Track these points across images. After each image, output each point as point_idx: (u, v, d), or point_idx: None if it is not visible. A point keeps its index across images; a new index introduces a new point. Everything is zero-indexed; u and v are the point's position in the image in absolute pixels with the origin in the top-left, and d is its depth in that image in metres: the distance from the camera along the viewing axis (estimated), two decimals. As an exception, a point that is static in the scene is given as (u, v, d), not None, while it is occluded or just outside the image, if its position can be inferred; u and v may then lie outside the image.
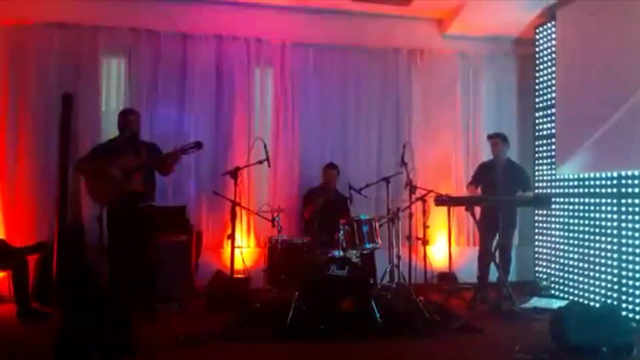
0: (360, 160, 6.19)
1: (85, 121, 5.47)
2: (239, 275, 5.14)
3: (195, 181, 5.77)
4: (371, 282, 4.68)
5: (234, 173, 4.81)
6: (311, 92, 6.15)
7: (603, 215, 5.02)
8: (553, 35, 5.81)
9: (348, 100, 6.23)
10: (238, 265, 5.05)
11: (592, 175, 5.20)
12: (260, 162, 4.99)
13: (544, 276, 5.90)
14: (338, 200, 5.50)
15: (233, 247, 4.84)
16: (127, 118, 4.62)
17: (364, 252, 4.84)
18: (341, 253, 4.42)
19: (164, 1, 5.72)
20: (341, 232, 4.53)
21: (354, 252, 4.60)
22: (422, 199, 5.18)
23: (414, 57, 6.39)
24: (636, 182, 4.65)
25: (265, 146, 4.99)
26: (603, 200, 5.04)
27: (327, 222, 5.09)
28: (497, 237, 5.25)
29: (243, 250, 5.40)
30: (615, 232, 4.85)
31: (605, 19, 4.98)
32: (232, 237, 4.85)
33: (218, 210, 5.69)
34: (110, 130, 5.19)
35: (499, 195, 5.11)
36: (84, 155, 4.74)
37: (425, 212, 5.17)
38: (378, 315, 4.14)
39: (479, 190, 5.51)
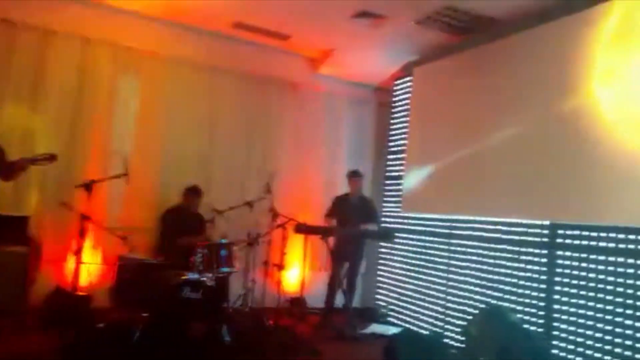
0: (225, 182, 6.21)
1: None
2: (81, 293, 4.85)
3: (42, 190, 5.33)
4: (224, 305, 4.73)
5: (89, 186, 4.55)
6: (179, 109, 6.05)
7: (435, 252, 5.70)
8: (409, 89, 6.52)
9: (218, 121, 6.26)
10: (82, 281, 4.77)
11: (429, 215, 5.89)
12: (118, 177, 4.79)
13: (384, 304, 6.46)
14: (197, 222, 5.47)
15: (78, 263, 4.55)
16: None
17: (220, 275, 4.89)
18: (196, 276, 4.42)
19: (27, -9, 5.31)
20: (198, 255, 4.53)
21: (210, 275, 4.62)
22: (283, 226, 5.40)
23: (287, 89, 6.69)
24: (463, 225, 5.39)
25: (125, 160, 4.81)
26: (436, 239, 5.73)
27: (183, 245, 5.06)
28: (347, 265, 5.67)
29: (89, 267, 5.10)
30: (444, 267, 5.54)
31: (451, 81, 5.75)
32: (78, 252, 4.56)
33: (65, 223, 5.25)
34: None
35: (351, 227, 5.53)
36: None
37: (284, 239, 5.40)
38: (227, 339, 4.21)
39: (334, 221, 5.89)
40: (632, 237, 3.84)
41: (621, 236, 3.92)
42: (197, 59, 6.15)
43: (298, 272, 5.92)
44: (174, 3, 5.53)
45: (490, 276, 4.97)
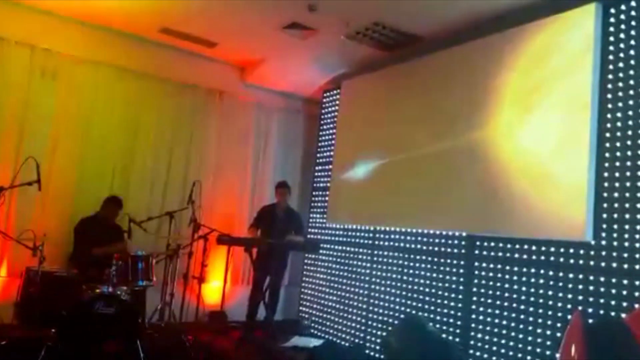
0: (144, 191, 5.97)
1: None
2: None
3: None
4: (139, 321, 4.52)
5: (-4, 193, 4.23)
6: (99, 114, 5.77)
7: (359, 263, 5.76)
8: (337, 101, 6.59)
9: (140, 129, 6.03)
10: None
11: (353, 227, 5.95)
12: (30, 184, 4.48)
13: (306, 316, 6.43)
14: (114, 234, 5.21)
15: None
16: None
17: (136, 289, 4.67)
18: (110, 290, 4.20)
19: None
20: (113, 268, 4.31)
21: (125, 288, 4.41)
22: (205, 237, 5.25)
23: (213, 97, 6.54)
24: (386, 236, 5.48)
25: (37, 167, 4.51)
26: (360, 250, 5.79)
27: (99, 256, 4.80)
28: (270, 277, 5.59)
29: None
30: (367, 278, 5.60)
31: (377, 95, 5.87)
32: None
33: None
34: None
35: (276, 238, 5.47)
36: None
37: (206, 251, 5.24)
38: (143, 356, 4.02)
39: (259, 232, 5.81)
40: (543, 248, 4.03)
41: (533, 248, 4.11)
42: (120, 63, 5.91)
43: (219, 285, 5.77)
44: (98, 5, 5.29)
45: (410, 286, 5.07)
